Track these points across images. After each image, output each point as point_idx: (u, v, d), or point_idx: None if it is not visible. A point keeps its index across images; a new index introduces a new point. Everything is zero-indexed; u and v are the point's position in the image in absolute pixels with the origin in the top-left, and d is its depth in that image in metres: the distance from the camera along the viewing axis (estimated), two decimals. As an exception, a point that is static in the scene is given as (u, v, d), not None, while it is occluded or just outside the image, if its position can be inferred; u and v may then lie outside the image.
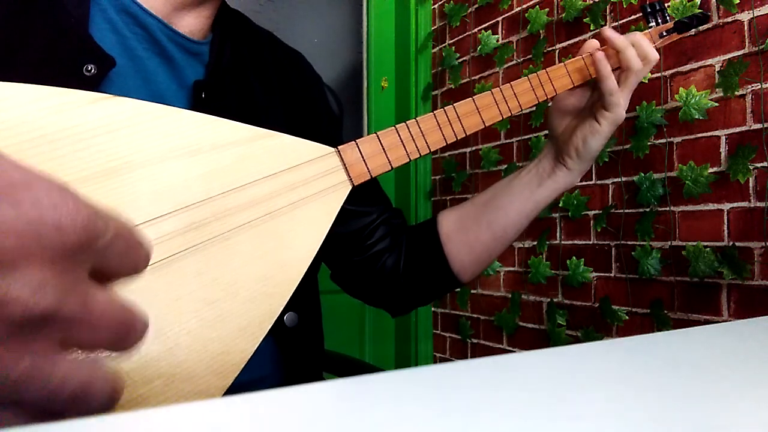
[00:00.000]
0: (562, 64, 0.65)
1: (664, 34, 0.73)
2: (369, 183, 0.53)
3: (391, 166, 0.53)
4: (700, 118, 1.14)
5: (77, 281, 0.23)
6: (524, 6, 1.57)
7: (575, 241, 1.41)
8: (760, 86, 1.05)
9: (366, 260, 0.73)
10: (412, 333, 1.87)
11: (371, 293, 0.76)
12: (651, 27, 0.73)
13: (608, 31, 0.64)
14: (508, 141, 1.62)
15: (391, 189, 1.94)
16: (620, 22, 1.31)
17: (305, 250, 0.44)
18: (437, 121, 0.56)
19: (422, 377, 0.24)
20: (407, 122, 0.54)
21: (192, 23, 0.60)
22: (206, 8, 0.60)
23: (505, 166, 1.61)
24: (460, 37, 1.81)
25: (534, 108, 1.44)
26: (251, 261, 0.40)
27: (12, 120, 0.33)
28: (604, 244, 1.33)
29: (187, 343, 0.35)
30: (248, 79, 0.64)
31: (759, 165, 1.05)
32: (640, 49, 0.64)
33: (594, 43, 0.66)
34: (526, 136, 1.55)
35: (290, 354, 0.60)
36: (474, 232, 0.69)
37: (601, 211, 1.33)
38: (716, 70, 1.12)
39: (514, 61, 1.60)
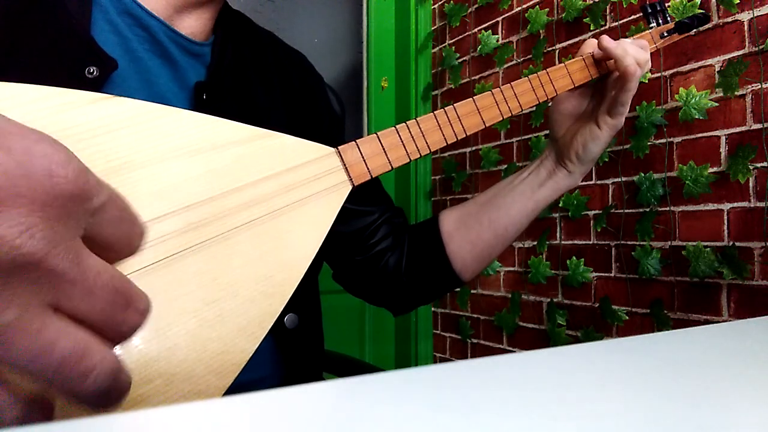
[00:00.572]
0: (563, 64, 0.65)
1: (665, 34, 0.73)
2: (370, 182, 0.53)
3: (392, 167, 0.52)
4: (700, 118, 1.14)
5: (70, 238, 0.23)
6: (524, 6, 1.57)
7: (575, 241, 1.41)
8: (760, 86, 1.05)
9: (368, 259, 0.73)
10: (412, 333, 1.87)
11: (373, 292, 0.77)
12: (652, 27, 0.73)
13: (605, 41, 0.64)
14: (508, 141, 1.62)
15: (392, 189, 1.95)
16: (620, 22, 1.31)
17: (305, 250, 0.44)
18: (437, 121, 0.56)
19: (422, 377, 0.24)
20: (407, 122, 0.54)
21: (193, 24, 0.60)
22: (207, 10, 0.60)
23: (505, 166, 1.61)
24: (460, 37, 1.81)
25: (534, 108, 1.44)
26: (251, 261, 0.40)
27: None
28: (604, 244, 1.33)
29: (186, 342, 0.35)
30: (250, 80, 0.64)
31: (759, 165, 1.05)
32: (634, 56, 0.64)
33: (593, 43, 0.66)
34: (526, 136, 1.55)
35: (290, 355, 0.60)
36: (475, 231, 0.69)
37: (601, 211, 1.33)
38: (716, 70, 1.12)
39: (514, 61, 1.60)
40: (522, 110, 0.63)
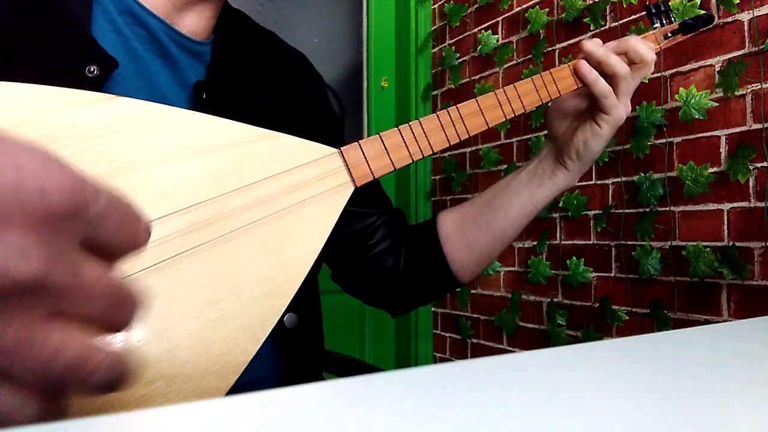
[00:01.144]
0: (566, 65, 0.65)
1: (669, 35, 0.73)
2: (370, 184, 0.53)
3: (394, 167, 0.52)
4: (700, 118, 1.14)
5: (66, 250, 0.23)
6: (524, 6, 1.57)
7: (575, 241, 1.41)
8: (760, 86, 1.05)
9: (367, 261, 0.73)
10: (412, 333, 1.87)
11: (372, 293, 0.77)
12: (656, 28, 0.72)
13: (587, 45, 0.64)
14: (508, 141, 1.62)
15: (392, 189, 1.95)
16: (620, 22, 1.31)
17: (308, 250, 0.44)
18: (440, 121, 0.56)
19: (422, 377, 0.24)
20: (410, 123, 0.54)
21: (194, 23, 0.60)
22: (208, 7, 0.60)
23: (505, 166, 1.61)
24: (460, 37, 1.81)
25: (535, 108, 1.44)
26: (253, 261, 0.40)
27: (14, 120, 0.33)
28: (604, 244, 1.33)
29: (188, 343, 0.35)
30: (249, 80, 0.64)
31: (759, 165, 1.05)
32: (635, 52, 0.64)
33: (596, 41, 0.66)
34: (526, 136, 1.55)
35: (290, 355, 0.60)
36: (473, 233, 0.69)
37: (601, 211, 1.33)
38: (716, 70, 1.12)
39: (514, 61, 1.60)
40: (525, 111, 0.62)
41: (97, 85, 0.50)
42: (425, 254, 0.72)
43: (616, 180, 1.31)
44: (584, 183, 1.38)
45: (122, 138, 0.37)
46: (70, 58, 0.50)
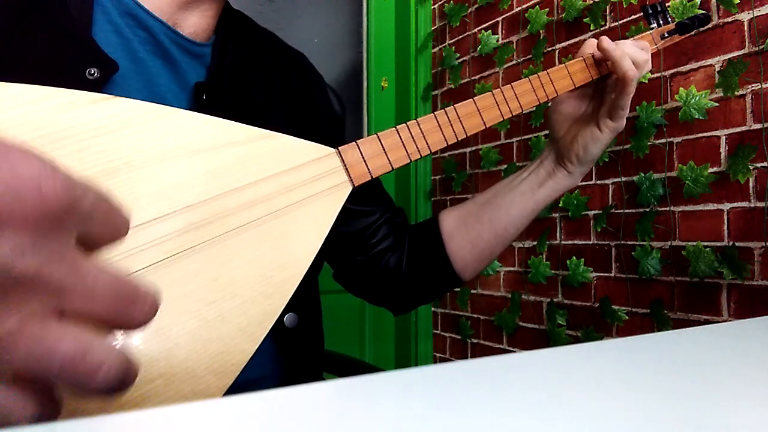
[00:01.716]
0: (564, 65, 0.65)
1: (666, 35, 0.73)
2: (371, 183, 0.53)
3: (392, 167, 0.53)
4: (700, 118, 1.14)
5: (63, 247, 0.23)
6: (524, 6, 1.57)
7: (575, 241, 1.41)
8: (760, 86, 1.05)
9: (369, 259, 0.73)
10: (412, 333, 1.87)
11: (374, 292, 0.77)
12: (653, 28, 0.73)
13: (605, 42, 0.64)
14: (508, 141, 1.62)
15: (392, 189, 1.95)
16: (620, 22, 1.31)
17: (306, 250, 0.44)
18: (438, 121, 0.56)
19: (422, 377, 0.24)
20: (408, 123, 0.54)
21: (197, 22, 0.60)
22: (210, 7, 0.60)
23: (505, 166, 1.61)
24: (460, 37, 1.81)
25: (534, 108, 1.44)
26: (251, 261, 0.40)
27: (13, 120, 0.33)
28: (604, 244, 1.33)
29: (186, 343, 0.35)
30: (250, 81, 0.64)
31: (759, 165, 1.05)
32: (633, 58, 0.64)
33: (593, 44, 0.66)
34: (526, 136, 1.55)
35: (290, 355, 0.60)
36: (476, 230, 0.70)
37: (601, 211, 1.33)
38: (716, 70, 1.12)
39: (514, 61, 1.60)
40: (522, 111, 0.63)
41: (97, 87, 0.50)
42: (428, 252, 0.72)
43: (616, 180, 1.31)
44: (584, 183, 1.38)
45: (121, 138, 0.37)
46: (70, 60, 0.50)
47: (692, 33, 0.76)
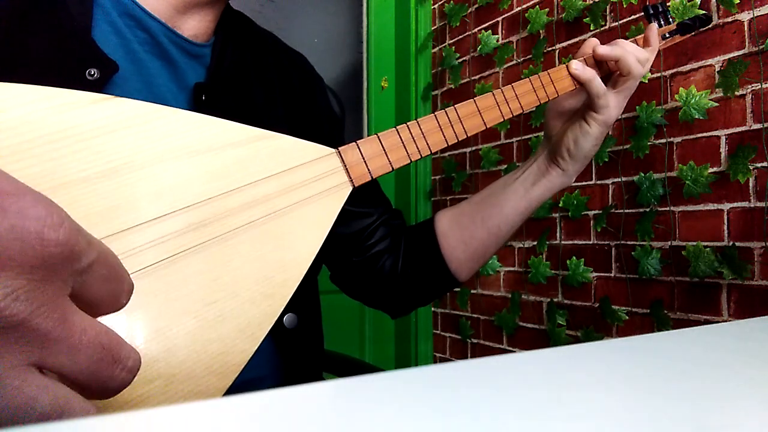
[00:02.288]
0: (564, 65, 0.65)
1: (667, 35, 0.73)
2: (369, 184, 0.53)
3: (392, 167, 0.52)
4: (700, 118, 1.14)
5: (56, 298, 0.23)
6: (524, 6, 1.57)
7: (575, 241, 1.41)
8: (760, 86, 1.05)
9: (365, 261, 0.73)
10: (412, 333, 1.87)
11: (370, 294, 0.77)
12: None
13: (600, 49, 0.64)
14: (508, 141, 1.62)
15: (391, 189, 1.95)
16: (620, 22, 1.31)
17: (306, 251, 0.44)
18: (438, 122, 0.56)
19: (422, 377, 0.24)
20: (408, 123, 0.54)
21: (195, 26, 0.60)
22: (210, 11, 0.60)
23: (505, 166, 1.61)
24: (460, 37, 1.81)
25: (534, 108, 1.45)
26: (251, 261, 0.40)
27: (12, 120, 0.33)
28: (604, 244, 1.33)
29: (186, 343, 0.35)
30: (249, 82, 0.64)
31: (759, 165, 1.05)
32: (636, 55, 0.64)
33: (593, 42, 0.66)
34: (526, 136, 1.55)
35: (289, 355, 0.60)
36: (469, 229, 0.70)
37: (601, 211, 1.33)
38: (716, 70, 1.12)
39: (514, 61, 1.60)
40: (523, 111, 0.63)
41: (97, 88, 0.50)
42: (423, 252, 0.72)
43: (616, 180, 1.31)
44: (584, 183, 1.38)
45: (120, 138, 0.37)
46: (70, 61, 0.50)
47: (693, 33, 0.76)
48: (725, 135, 1.11)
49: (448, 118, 0.57)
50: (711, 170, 1.12)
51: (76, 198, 0.34)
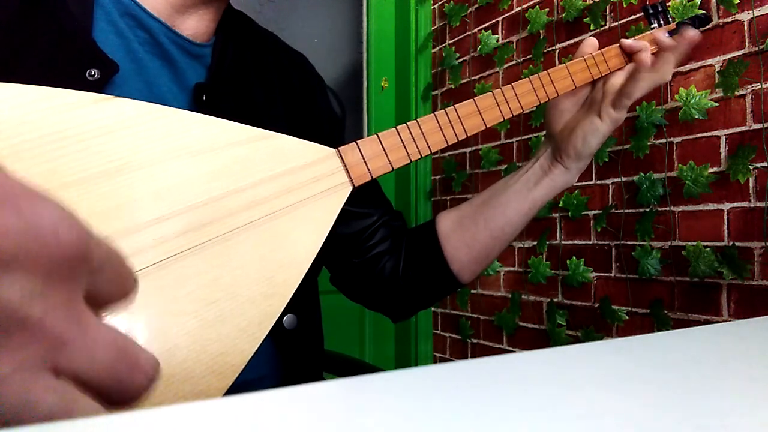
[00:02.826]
0: (564, 65, 0.65)
1: (667, 35, 0.73)
2: (370, 185, 0.53)
3: (392, 167, 0.52)
4: (700, 118, 1.14)
5: (71, 299, 0.23)
6: (524, 6, 1.57)
7: (575, 241, 1.41)
8: (760, 86, 1.05)
9: (365, 262, 0.72)
10: (412, 333, 1.87)
11: (371, 297, 0.76)
12: (653, 28, 0.72)
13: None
14: (508, 141, 1.62)
15: (391, 189, 1.95)
16: (620, 22, 1.31)
17: (306, 251, 0.44)
18: (438, 122, 0.56)
19: (422, 377, 0.24)
20: (408, 123, 0.54)
21: (195, 25, 0.59)
22: (210, 11, 0.60)
23: (505, 166, 1.61)
24: (460, 37, 1.81)
25: (534, 108, 1.45)
26: (251, 262, 0.40)
27: (13, 120, 0.33)
28: (604, 244, 1.33)
29: (186, 343, 0.35)
30: (250, 81, 0.64)
31: (759, 165, 1.05)
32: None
33: (592, 42, 0.66)
34: (526, 136, 1.55)
35: (289, 356, 0.60)
36: (472, 232, 0.69)
37: (601, 211, 1.33)
38: (716, 70, 1.12)
39: (514, 61, 1.60)
40: (523, 111, 0.62)
41: (98, 88, 0.50)
42: (425, 254, 0.71)
43: (616, 180, 1.31)
44: (584, 183, 1.38)
45: (121, 138, 0.37)
46: (70, 61, 0.50)
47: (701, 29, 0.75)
48: (725, 135, 1.11)
49: (448, 118, 0.57)
50: (711, 170, 1.12)
51: (76, 198, 0.34)
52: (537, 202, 0.68)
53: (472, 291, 1.72)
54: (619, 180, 1.30)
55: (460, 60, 1.80)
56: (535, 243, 1.50)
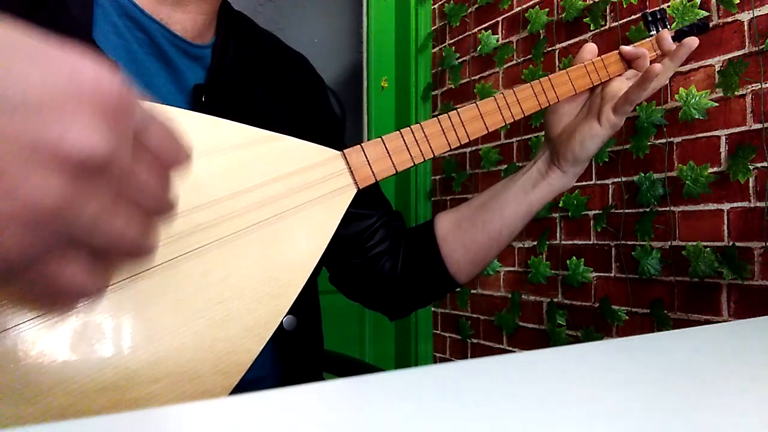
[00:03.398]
0: (565, 71, 0.65)
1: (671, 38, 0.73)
2: (370, 186, 0.53)
3: (396, 170, 0.53)
4: (700, 118, 1.14)
5: (127, 137, 0.25)
6: (524, 6, 1.57)
7: (575, 241, 1.41)
8: (760, 86, 1.05)
9: (365, 263, 0.72)
10: (412, 333, 1.87)
11: (369, 296, 0.76)
12: (652, 35, 0.73)
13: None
14: (508, 141, 1.62)
15: (392, 189, 1.95)
16: (620, 22, 1.31)
17: (311, 251, 0.44)
18: (441, 126, 0.56)
19: (422, 377, 0.24)
20: (411, 127, 0.55)
21: (182, 19, 0.58)
22: (198, 6, 0.58)
23: (505, 166, 1.61)
24: (460, 37, 1.81)
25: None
26: (257, 262, 0.40)
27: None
28: (604, 244, 1.34)
29: (193, 342, 0.36)
30: (250, 82, 0.64)
31: (759, 165, 1.05)
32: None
33: (592, 48, 0.67)
34: (526, 136, 1.55)
35: (289, 357, 0.60)
36: (469, 233, 0.69)
37: (601, 211, 1.34)
38: (716, 70, 1.12)
39: (514, 61, 1.60)
40: (524, 115, 0.63)
41: None
42: (422, 254, 0.71)
43: (616, 180, 1.31)
44: (584, 183, 1.38)
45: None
46: None
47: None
48: (725, 135, 1.11)
49: (451, 121, 0.57)
50: (711, 170, 1.12)
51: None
52: (534, 205, 0.68)
53: (472, 291, 1.72)
54: (619, 180, 1.30)
55: (460, 60, 1.80)
56: (535, 243, 1.50)
